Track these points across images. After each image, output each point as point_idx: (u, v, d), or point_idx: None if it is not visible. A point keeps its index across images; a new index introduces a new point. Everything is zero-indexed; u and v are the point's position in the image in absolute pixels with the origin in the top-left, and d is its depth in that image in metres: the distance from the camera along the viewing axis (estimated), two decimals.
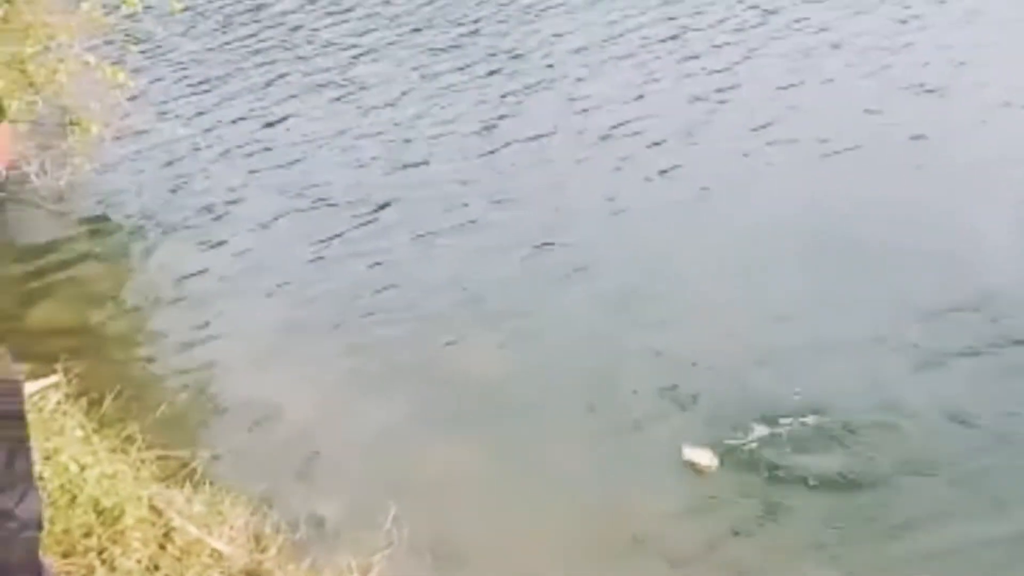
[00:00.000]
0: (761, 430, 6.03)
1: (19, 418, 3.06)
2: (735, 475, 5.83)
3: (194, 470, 5.14)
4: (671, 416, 6.21)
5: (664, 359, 6.65)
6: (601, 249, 7.88)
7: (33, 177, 7.86)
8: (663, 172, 8.83)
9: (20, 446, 3.06)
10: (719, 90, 10.07)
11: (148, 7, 8.71)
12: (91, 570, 4.13)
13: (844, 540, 5.43)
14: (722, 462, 5.87)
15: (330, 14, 12.15)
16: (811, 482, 5.73)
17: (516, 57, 11.00)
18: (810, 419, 6.08)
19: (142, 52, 9.78)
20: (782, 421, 6.06)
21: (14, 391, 3.05)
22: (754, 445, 5.94)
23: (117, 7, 8.35)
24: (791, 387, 6.30)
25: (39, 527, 3.17)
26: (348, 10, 12.28)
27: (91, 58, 7.90)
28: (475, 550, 5.36)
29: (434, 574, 5.03)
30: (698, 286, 7.35)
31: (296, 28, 11.87)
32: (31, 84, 7.54)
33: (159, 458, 5.16)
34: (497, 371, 6.72)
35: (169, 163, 9.18)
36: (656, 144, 9.24)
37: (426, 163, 9.16)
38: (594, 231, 8.11)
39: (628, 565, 5.33)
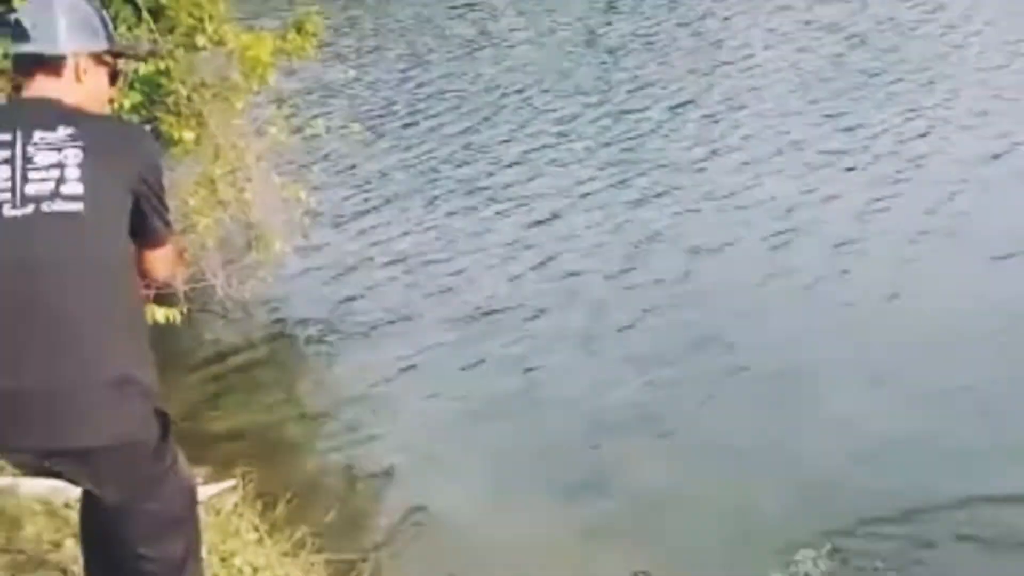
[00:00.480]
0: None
1: (194, 521, 3.25)
2: None
3: (361, 573, 5.27)
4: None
5: (825, 462, 6.61)
6: (764, 353, 7.86)
7: (219, 289, 8.31)
8: (825, 277, 8.83)
9: (194, 547, 3.25)
10: (879, 199, 10.02)
11: (328, 127, 9.20)
12: None
13: None
14: None
15: (503, 136, 12.54)
16: None
17: (675, 169, 11.17)
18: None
19: (323, 170, 10.28)
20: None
21: (191, 494, 3.24)
22: None
23: (301, 129, 8.89)
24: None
25: None
26: (519, 127, 12.69)
27: (276, 178, 8.37)
28: None
29: None
30: (861, 386, 7.31)
31: (468, 145, 12.29)
32: (219, 202, 8.00)
33: (328, 561, 5.33)
34: (665, 480, 6.68)
35: (342, 275, 9.56)
36: (818, 249, 9.29)
37: (579, 273, 9.35)
38: (754, 334, 8.12)
39: None
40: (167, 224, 3.14)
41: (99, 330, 2.91)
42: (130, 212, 3.00)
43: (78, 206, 2.92)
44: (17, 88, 3.22)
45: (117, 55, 3.29)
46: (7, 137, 2.98)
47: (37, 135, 2.97)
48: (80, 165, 2.94)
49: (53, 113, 3.05)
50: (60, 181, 2.93)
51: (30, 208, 2.90)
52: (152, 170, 3.07)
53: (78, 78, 3.13)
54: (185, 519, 3.19)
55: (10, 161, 2.94)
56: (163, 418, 3.05)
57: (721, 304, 8.61)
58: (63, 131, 2.98)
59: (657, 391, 7.60)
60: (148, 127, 7.11)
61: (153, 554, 3.11)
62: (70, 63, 3.11)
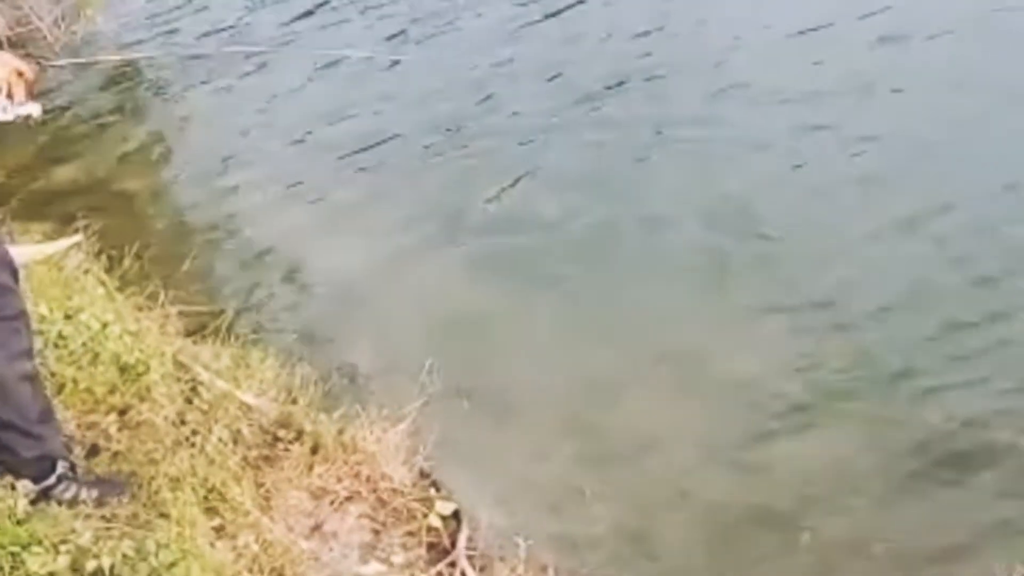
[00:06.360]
0: None
1: None
2: None
3: (221, 325, 5.00)
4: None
5: None
6: None
7: (46, 32, 7.60)
8: None
9: None
10: None
11: None
12: (117, 427, 4.04)
13: None
14: None
15: None
16: None
17: None
18: None
19: None
20: None
21: None
22: None
23: None
24: None
25: None
26: None
27: None
28: (517, 397, 5.07)
29: (471, 422, 4.87)
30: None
31: None
32: None
33: (184, 314, 5.04)
34: (553, 215, 6.37)
35: (191, 9, 8.82)
36: None
37: None
38: None
39: (699, 406, 4.96)
40: None
41: None
42: None
43: None
44: None
45: None
46: None
47: None
48: None
49: None
50: None
51: None
52: None
53: None
54: None
55: None
56: None
57: None
58: None
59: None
60: None
61: None
62: None
